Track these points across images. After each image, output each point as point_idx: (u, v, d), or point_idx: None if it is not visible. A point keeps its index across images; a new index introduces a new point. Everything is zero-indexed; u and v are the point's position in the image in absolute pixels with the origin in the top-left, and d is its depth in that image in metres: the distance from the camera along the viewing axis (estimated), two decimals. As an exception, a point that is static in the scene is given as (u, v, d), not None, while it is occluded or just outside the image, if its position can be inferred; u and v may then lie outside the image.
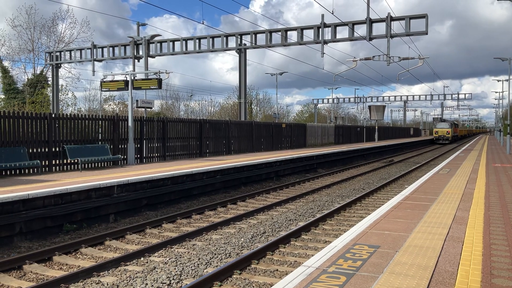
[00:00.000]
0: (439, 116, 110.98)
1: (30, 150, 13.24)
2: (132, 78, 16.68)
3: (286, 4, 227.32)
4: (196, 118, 25.20)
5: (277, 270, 6.88)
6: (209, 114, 66.13)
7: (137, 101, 19.95)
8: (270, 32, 27.81)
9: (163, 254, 7.84)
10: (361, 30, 25.58)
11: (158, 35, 28.78)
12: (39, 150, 13.57)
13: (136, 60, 30.69)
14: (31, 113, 13.96)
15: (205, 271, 6.87)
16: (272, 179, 18.98)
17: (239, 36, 28.99)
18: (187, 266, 7.06)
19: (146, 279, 6.46)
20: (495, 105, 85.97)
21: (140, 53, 30.55)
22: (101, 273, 6.75)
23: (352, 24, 25.54)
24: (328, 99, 71.01)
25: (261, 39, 28.18)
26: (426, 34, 23.76)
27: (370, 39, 24.99)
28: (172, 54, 31.03)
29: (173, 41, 30.60)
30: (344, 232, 8.53)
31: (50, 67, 37.57)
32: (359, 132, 47.02)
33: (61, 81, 39.74)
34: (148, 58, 29.81)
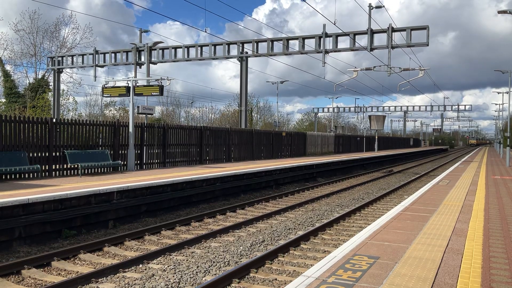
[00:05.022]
0: (438, 127, 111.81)
1: (31, 155, 13.26)
2: (134, 84, 16.74)
3: (290, 13, 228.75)
4: (196, 125, 25.23)
5: (276, 279, 6.86)
6: (209, 121, 66.18)
7: (138, 107, 20.01)
8: (272, 40, 27.93)
9: (162, 261, 7.82)
10: (363, 40, 25.72)
11: (161, 42, 28.93)
12: (39, 154, 13.58)
13: (138, 66, 30.80)
14: (32, 117, 13.99)
15: (203, 279, 6.86)
16: (272, 187, 18.97)
17: (241, 44, 29.11)
18: (185, 273, 7.04)
19: (144, 286, 6.45)
20: (495, 117, 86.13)
21: (142, 59, 30.65)
22: (100, 280, 6.73)
23: (354, 34, 25.67)
24: (329, 108, 71.11)
25: (263, 47, 28.31)
26: (427, 45, 23.88)
27: (371, 49, 25.10)
28: (174, 61, 31.14)
29: (175, 48, 30.72)
30: (344, 242, 8.53)
31: (52, 71, 37.67)
32: (359, 142, 47.05)
33: (62, 86, 39.82)
34: (150, 64, 29.93)
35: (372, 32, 24.99)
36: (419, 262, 5.42)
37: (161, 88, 16.50)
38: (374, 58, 58.90)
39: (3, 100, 40.41)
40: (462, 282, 4.71)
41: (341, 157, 29.95)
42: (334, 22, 20.18)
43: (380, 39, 25.66)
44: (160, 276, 6.90)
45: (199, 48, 30.01)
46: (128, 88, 16.64)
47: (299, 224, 11.22)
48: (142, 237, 9.64)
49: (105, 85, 17.22)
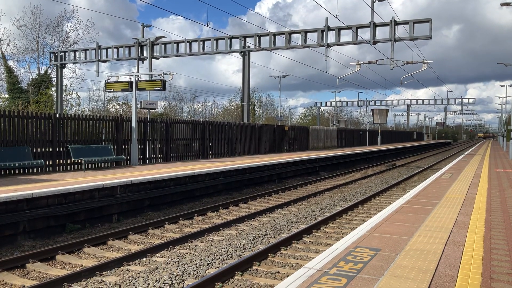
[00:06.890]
0: (442, 121, 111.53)
1: (34, 150, 13.33)
2: (136, 79, 16.77)
3: (293, 6, 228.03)
4: (199, 120, 25.27)
5: (278, 271, 6.91)
6: (212, 116, 66.13)
7: (140, 102, 20.02)
8: (274, 34, 27.87)
9: (165, 254, 7.89)
10: (366, 34, 25.63)
11: (163, 36, 28.89)
12: (43, 149, 13.66)
13: (141, 61, 30.81)
14: (35, 113, 14.06)
15: (206, 272, 6.92)
16: (274, 181, 19.01)
17: (243, 39, 29.06)
18: (189, 266, 7.10)
19: (148, 279, 6.51)
20: (499, 110, 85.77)
21: (145, 54, 30.67)
22: (104, 273, 6.80)
23: (356, 28, 25.59)
24: (332, 102, 71.03)
25: (266, 41, 28.26)
26: (430, 38, 23.79)
27: (374, 43, 25.02)
28: (176, 56, 31.13)
29: (178, 42, 30.70)
30: (346, 235, 8.56)
31: (55, 67, 37.73)
32: (362, 136, 47.00)
33: (65, 81, 39.89)
34: (153, 59, 29.93)
35: (374, 26, 24.89)
36: (420, 254, 5.45)
37: (163, 83, 16.53)
38: (377, 51, 58.76)
39: (6, 96, 40.54)
40: (463, 273, 4.75)
41: (344, 151, 29.96)
42: (336, 15, 20.13)
43: (383, 33, 25.62)
44: (163, 269, 6.97)
45: (201, 42, 29.98)
46: (130, 83, 16.68)
47: (302, 218, 11.27)
48: (145, 231, 9.71)
49: (108, 80, 17.27)
